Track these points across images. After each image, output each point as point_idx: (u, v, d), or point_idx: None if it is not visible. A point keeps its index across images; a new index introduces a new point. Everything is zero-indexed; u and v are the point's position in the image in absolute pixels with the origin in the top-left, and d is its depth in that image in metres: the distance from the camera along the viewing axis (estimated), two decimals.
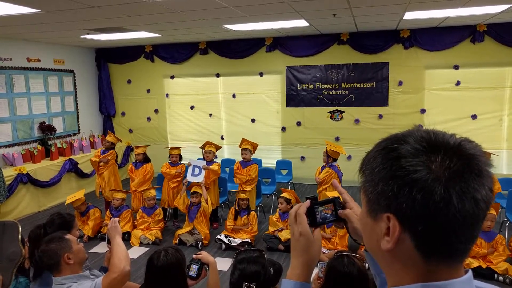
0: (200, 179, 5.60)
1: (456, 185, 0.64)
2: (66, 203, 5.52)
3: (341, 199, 1.05)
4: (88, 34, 6.75)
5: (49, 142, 7.47)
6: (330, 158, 5.49)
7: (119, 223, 2.33)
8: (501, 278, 4.22)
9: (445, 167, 0.64)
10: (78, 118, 8.51)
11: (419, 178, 0.64)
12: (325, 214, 1.01)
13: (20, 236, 0.85)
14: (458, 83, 7.18)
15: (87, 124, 8.74)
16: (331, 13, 5.47)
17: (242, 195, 5.46)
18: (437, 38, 7.08)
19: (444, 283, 0.67)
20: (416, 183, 0.64)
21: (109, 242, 3.00)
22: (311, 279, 2.27)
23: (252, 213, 5.50)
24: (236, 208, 5.47)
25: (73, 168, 7.40)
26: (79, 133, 8.49)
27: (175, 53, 8.55)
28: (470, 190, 0.64)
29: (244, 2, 4.64)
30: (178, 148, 6.39)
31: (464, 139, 0.69)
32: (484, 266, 4.32)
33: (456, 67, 7.16)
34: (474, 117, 7.16)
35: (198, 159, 7.71)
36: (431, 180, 0.64)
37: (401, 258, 0.69)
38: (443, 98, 7.28)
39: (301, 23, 6.16)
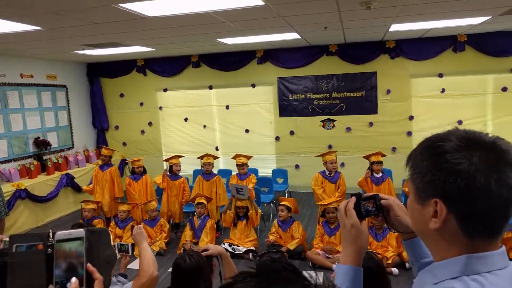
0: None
1: (493, 174, 0.77)
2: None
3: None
4: (83, 49, 6.83)
5: (44, 157, 7.45)
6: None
7: (144, 229, 2.44)
8: None
9: (483, 159, 0.78)
10: (71, 132, 8.51)
11: (463, 169, 0.78)
12: (368, 207, 1.18)
13: (112, 242, 0.97)
14: (443, 90, 7.51)
15: (81, 138, 8.74)
16: (323, 26, 5.72)
17: (239, 203, 5.41)
18: (421, 48, 7.41)
19: (484, 254, 0.82)
20: (460, 173, 0.78)
21: (121, 251, 3.10)
22: (331, 277, 2.41)
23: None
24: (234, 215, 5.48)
25: (69, 182, 7.39)
26: (73, 147, 8.48)
27: (168, 66, 8.65)
28: (506, 179, 0.78)
29: (241, 17, 4.78)
30: (177, 157, 6.41)
31: (496, 137, 0.84)
32: None
33: (440, 75, 7.50)
34: (460, 122, 7.47)
35: (195, 170, 7.83)
36: (472, 171, 0.78)
37: (447, 236, 0.84)
38: (430, 105, 7.59)
39: (293, 35, 6.38)
